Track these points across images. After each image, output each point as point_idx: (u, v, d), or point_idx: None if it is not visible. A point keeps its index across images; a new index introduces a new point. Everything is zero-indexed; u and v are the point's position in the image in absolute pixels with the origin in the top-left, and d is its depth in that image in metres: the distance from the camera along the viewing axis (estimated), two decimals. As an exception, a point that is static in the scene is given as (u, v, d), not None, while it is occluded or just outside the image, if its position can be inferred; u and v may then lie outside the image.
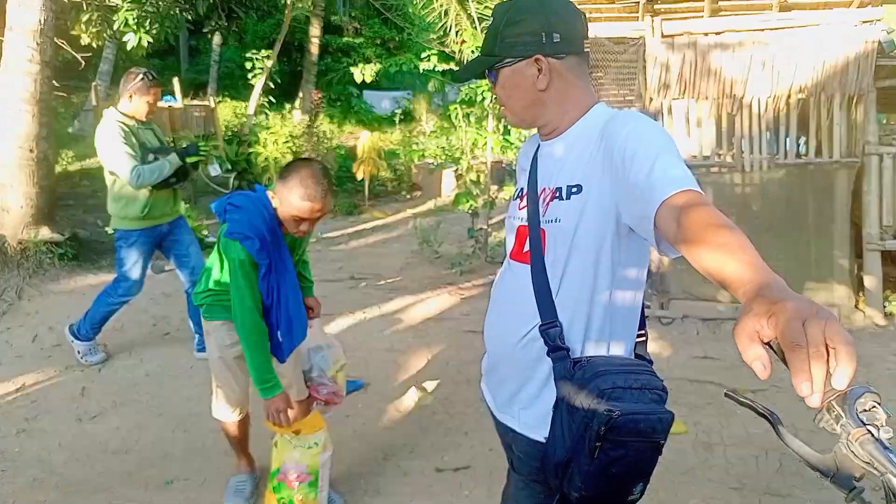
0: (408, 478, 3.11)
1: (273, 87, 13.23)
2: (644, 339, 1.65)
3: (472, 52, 6.75)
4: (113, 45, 14.33)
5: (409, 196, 11.44)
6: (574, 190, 1.46)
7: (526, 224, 1.55)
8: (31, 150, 6.51)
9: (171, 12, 10.43)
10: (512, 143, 6.83)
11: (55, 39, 6.93)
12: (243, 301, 2.39)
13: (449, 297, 5.75)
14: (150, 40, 9.63)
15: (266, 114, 12.46)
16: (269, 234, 2.39)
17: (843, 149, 4.97)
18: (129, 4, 9.36)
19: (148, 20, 9.74)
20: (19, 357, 4.61)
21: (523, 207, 1.59)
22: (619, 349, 1.53)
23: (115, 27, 9.44)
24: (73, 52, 11.12)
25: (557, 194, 1.49)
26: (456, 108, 6.99)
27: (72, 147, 14.67)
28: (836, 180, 4.98)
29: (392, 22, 21.16)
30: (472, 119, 7.07)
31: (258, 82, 12.19)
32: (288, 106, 15.38)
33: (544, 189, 1.54)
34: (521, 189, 1.65)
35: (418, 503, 2.92)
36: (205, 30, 12.96)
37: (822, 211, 4.98)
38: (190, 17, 12.18)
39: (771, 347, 0.85)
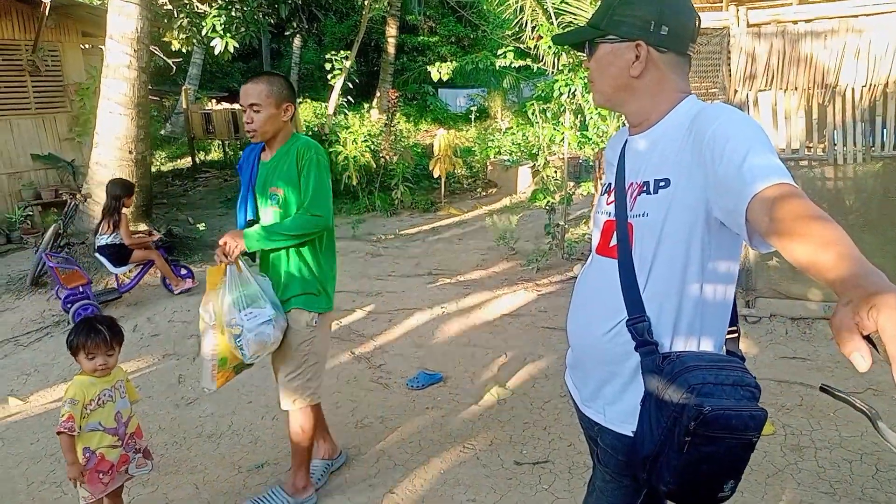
0: (487, 470, 3.15)
1: (351, 86, 13.53)
2: (736, 335, 1.62)
3: (549, 47, 6.70)
4: (201, 50, 15.03)
5: (484, 193, 11.47)
6: (662, 184, 1.45)
7: (613, 219, 1.55)
8: (130, 152, 6.91)
9: (256, 17, 10.82)
10: (589, 139, 6.74)
11: (150, 46, 7.32)
12: None
13: (525, 294, 5.75)
14: (236, 45, 10.01)
15: (345, 113, 12.74)
16: (244, 160, 2.84)
17: (948, 139, 4.67)
18: (216, 11, 9.77)
19: (234, 25, 10.14)
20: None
21: (611, 202, 1.59)
22: (709, 345, 1.51)
23: (204, 33, 9.86)
24: (165, 58, 11.72)
25: (645, 188, 1.49)
26: (532, 105, 6.97)
27: (164, 148, 15.50)
28: (939, 173, 4.69)
29: (467, 20, 21.24)
30: (549, 115, 7.03)
31: (337, 82, 12.48)
32: (366, 105, 15.67)
33: (631, 183, 1.53)
34: (609, 184, 1.65)
35: (498, 495, 2.95)
36: (286, 33, 13.37)
37: (924, 205, 4.70)
38: (273, 21, 12.60)
39: (870, 341, 0.83)
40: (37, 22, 8.56)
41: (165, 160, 14.80)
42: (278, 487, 2.91)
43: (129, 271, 5.87)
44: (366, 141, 10.22)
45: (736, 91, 5.07)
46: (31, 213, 8.72)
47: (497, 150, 12.14)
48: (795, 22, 4.93)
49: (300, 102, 15.42)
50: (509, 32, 11.78)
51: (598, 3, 1.62)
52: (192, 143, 13.80)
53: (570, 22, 7.52)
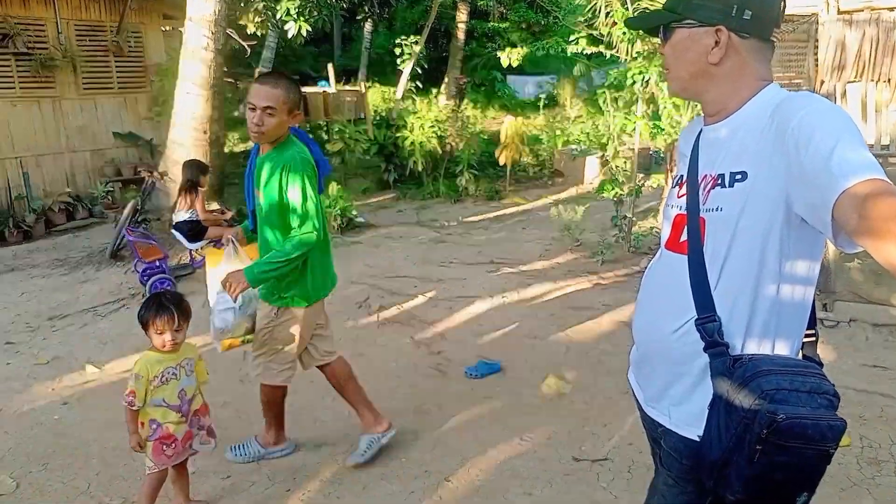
0: (545, 464, 3.11)
1: (420, 72, 13.55)
2: (814, 339, 1.53)
3: (623, 34, 6.50)
4: (275, 33, 15.30)
5: (550, 182, 11.31)
6: (738, 177, 1.37)
7: (684, 213, 1.48)
8: (205, 132, 7.12)
9: (329, 1, 10.95)
10: (662, 129, 6.53)
11: (226, 29, 7.50)
12: None
13: (589, 286, 5.64)
14: (309, 28, 10.16)
15: (413, 98, 12.78)
16: (253, 154, 2.97)
17: None
18: (291, -6, 9.94)
19: (307, 9, 10.29)
20: (192, 321, 5.07)
21: (682, 195, 1.52)
22: (784, 348, 1.44)
23: (278, 16, 10.05)
24: (240, 41, 11.98)
25: (720, 181, 1.41)
26: (604, 93, 6.80)
27: (237, 130, 15.90)
28: None
29: (538, 5, 20.91)
30: (621, 104, 6.85)
31: (406, 67, 12.52)
32: (434, 91, 15.67)
33: (705, 175, 1.46)
34: (681, 176, 1.57)
35: (555, 490, 2.91)
36: (358, 17, 13.48)
37: None
38: (345, 6, 12.73)
39: None
40: (121, 4, 8.88)
41: (238, 141, 15.18)
42: (254, 438, 3.27)
43: (203, 248, 6.07)
44: (433, 126, 10.22)
45: (823, 82, 4.81)
46: (111, 189, 9.11)
47: (565, 138, 11.94)
48: (891, 9, 4.63)
49: (369, 87, 15.56)
50: (582, 18, 11.52)
51: None
52: (264, 124, 14.09)
53: (646, 8, 7.29)
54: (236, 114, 17.00)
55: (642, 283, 1.66)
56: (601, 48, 6.80)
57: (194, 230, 5.83)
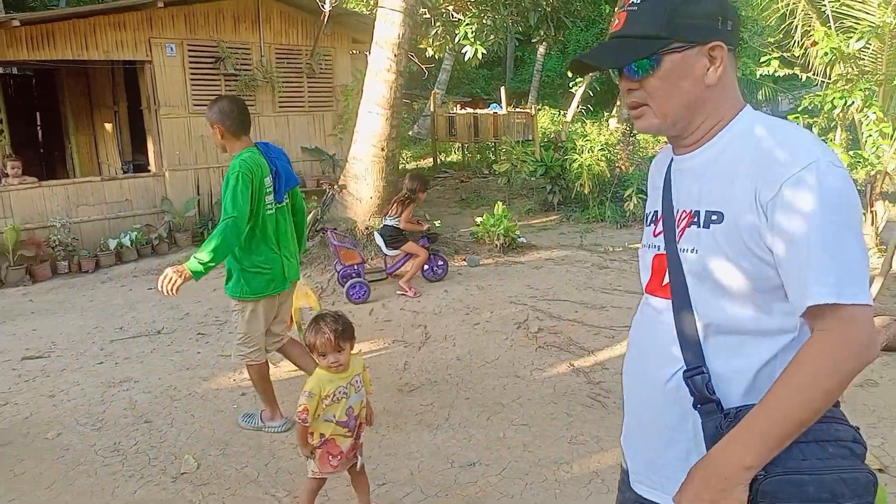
0: None
1: (591, 95, 13.38)
2: None
3: (825, 54, 5.97)
4: (451, 56, 15.85)
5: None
6: (714, 218, 1.22)
7: (663, 253, 1.32)
8: (382, 149, 7.48)
9: (505, 24, 11.13)
10: (865, 159, 5.90)
11: (408, 52, 7.86)
12: None
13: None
14: (484, 51, 10.38)
15: (583, 121, 12.62)
16: None
17: None
18: (469, 19, 10.22)
19: (484, 32, 10.53)
20: (358, 327, 5.31)
21: (659, 233, 1.35)
22: None
23: (456, 40, 10.37)
24: (419, 64, 12.52)
25: (695, 219, 1.26)
26: (797, 119, 6.28)
27: (410, 148, 16.64)
28: None
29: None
30: (816, 130, 6.28)
31: (578, 90, 12.42)
32: (605, 114, 15.40)
33: (681, 212, 1.30)
34: (655, 212, 1.40)
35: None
36: (533, 40, 13.60)
37: None
38: (521, 28, 12.88)
39: None
40: (316, 29, 9.62)
41: (409, 159, 15.86)
42: (259, 412, 3.78)
43: (396, 256, 6.37)
44: (602, 150, 10.01)
45: None
46: (295, 199, 9.83)
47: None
48: None
49: (539, 109, 15.59)
50: (771, 39, 10.77)
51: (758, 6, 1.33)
52: (436, 143, 14.62)
53: (851, 26, 6.66)
54: (410, 133, 17.80)
55: (630, 335, 1.49)
56: (796, 70, 6.29)
57: (395, 237, 6.20)
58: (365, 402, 2.74)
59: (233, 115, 3.46)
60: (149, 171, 9.11)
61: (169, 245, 8.35)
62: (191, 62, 8.85)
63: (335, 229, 7.33)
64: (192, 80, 8.87)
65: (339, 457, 2.64)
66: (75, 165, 11.13)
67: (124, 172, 10.02)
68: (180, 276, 3.10)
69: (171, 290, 3.09)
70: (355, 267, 6.13)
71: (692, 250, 1.26)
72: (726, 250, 1.20)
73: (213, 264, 3.22)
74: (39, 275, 7.39)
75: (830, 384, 1.10)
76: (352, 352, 2.65)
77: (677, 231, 1.30)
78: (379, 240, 6.28)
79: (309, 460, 2.68)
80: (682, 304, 1.27)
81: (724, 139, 1.27)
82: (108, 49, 8.20)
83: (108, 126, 10.86)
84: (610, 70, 1.35)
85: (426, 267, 6.44)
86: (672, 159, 1.38)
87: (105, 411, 4.04)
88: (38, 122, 11.96)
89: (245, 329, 3.60)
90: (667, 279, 1.32)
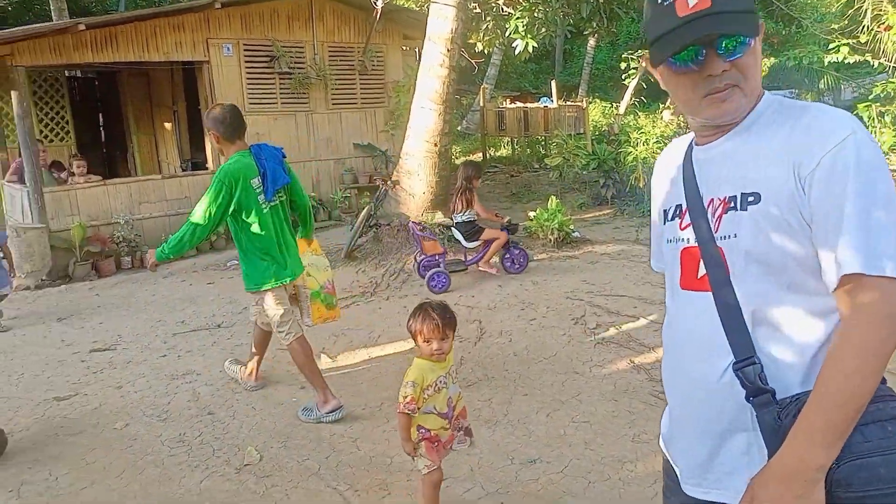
0: None
1: (645, 87, 13.10)
2: None
3: (898, 39, 5.71)
4: (500, 50, 15.74)
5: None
6: (751, 199, 1.20)
7: (695, 245, 1.28)
8: (435, 145, 7.47)
9: (557, 17, 10.98)
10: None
11: (461, 47, 7.83)
12: None
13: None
14: (535, 45, 10.26)
15: (636, 114, 12.38)
16: None
17: None
18: (520, 12, 10.12)
19: (535, 26, 10.41)
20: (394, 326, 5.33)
21: (686, 226, 1.31)
22: None
23: (507, 34, 10.28)
24: (469, 58, 12.46)
25: (731, 204, 1.24)
26: (868, 107, 6.01)
27: (459, 143, 16.61)
28: None
29: (778, 15, 19.21)
30: (888, 118, 6.00)
31: (631, 82, 12.18)
32: (660, 106, 15.07)
33: (712, 200, 1.28)
34: (678, 206, 1.35)
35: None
36: (585, 32, 13.40)
37: None
38: (572, 21, 12.70)
39: None
40: (368, 27, 9.68)
41: (459, 154, 15.83)
42: (314, 402, 3.84)
43: (476, 248, 6.43)
44: (657, 142, 9.80)
45: None
46: (348, 195, 9.94)
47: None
48: None
49: (590, 102, 15.36)
50: (835, 26, 10.36)
51: None
52: (485, 138, 14.55)
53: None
54: (459, 128, 17.77)
55: (664, 336, 1.45)
56: (867, 56, 6.03)
57: (471, 230, 6.28)
58: (460, 394, 2.71)
59: (226, 122, 3.78)
60: (206, 168, 9.33)
61: (226, 241, 8.53)
62: (246, 61, 9.02)
63: (377, 225, 7.38)
64: (247, 78, 9.04)
65: (437, 447, 2.61)
66: (137, 164, 11.49)
67: (183, 171, 10.30)
68: (151, 258, 3.80)
69: (150, 268, 3.94)
70: (437, 257, 6.19)
71: (733, 236, 1.23)
72: (767, 230, 1.19)
73: (170, 256, 3.75)
74: (104, 270, 7.65)
75: (878, 364, 1.09)
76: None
77: (712, 220, 1.27)
78: (458, 235, 6.36)
79: (416, 459, 2.62)
80: (724, 293, 1.24)
81: (752, 121, 1.27)
82: (167, 50, 8.42)
83: (168, 125, 11.17)
84: (670, 59, 1.22)
85: (507, 257, 6.46)
86: (692, 151, 1.37)
87: (170, 403, 4.14)
88: (101, 123, 12.37)
89: (270, 315, 3.88)
90: (702, 271, 1.29)
